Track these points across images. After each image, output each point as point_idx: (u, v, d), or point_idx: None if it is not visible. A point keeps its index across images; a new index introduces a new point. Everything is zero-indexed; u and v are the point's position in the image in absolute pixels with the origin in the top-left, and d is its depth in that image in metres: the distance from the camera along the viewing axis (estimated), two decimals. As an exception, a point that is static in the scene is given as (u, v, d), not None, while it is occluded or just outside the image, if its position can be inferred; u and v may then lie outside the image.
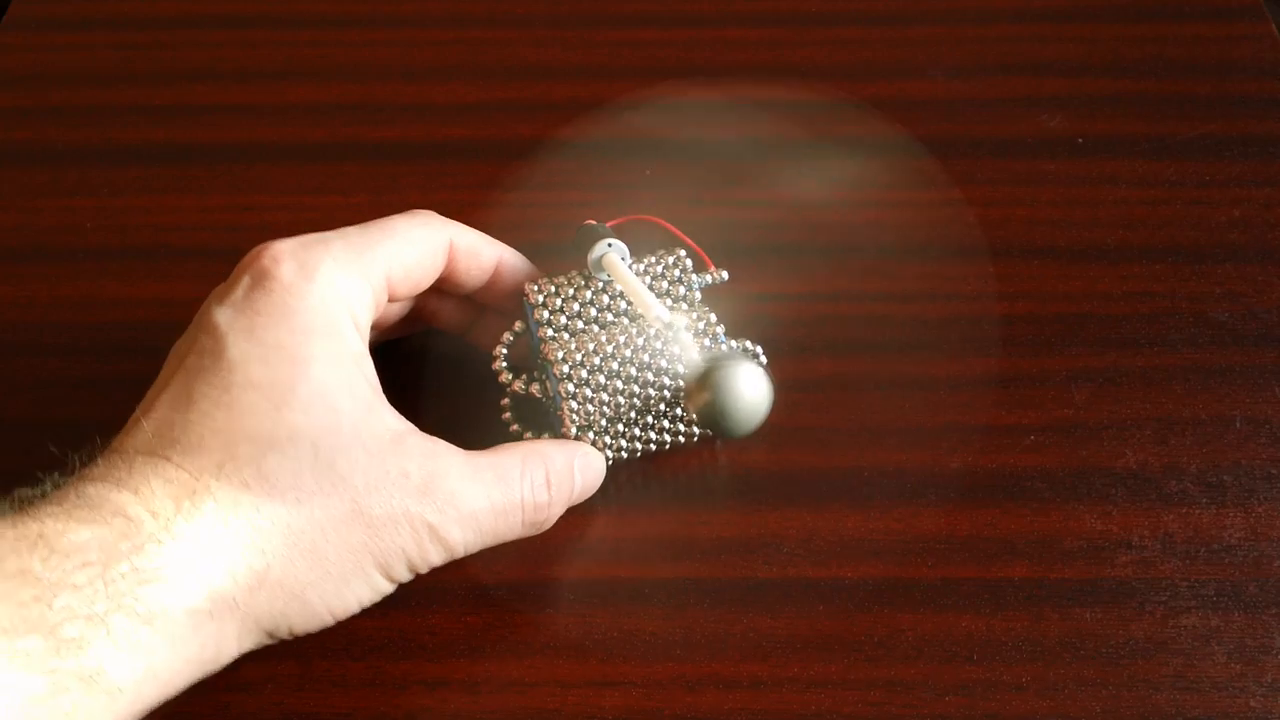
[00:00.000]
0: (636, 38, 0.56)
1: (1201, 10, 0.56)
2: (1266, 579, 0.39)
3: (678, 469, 0.41)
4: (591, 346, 0.38)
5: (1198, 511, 0.40)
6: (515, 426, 0.40)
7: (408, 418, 0.36)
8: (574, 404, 0.38)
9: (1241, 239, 0.47)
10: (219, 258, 0.48)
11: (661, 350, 0.39)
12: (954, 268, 0.47)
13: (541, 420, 0.41)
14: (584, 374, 0.38)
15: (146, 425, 0.34)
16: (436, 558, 0.35)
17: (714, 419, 0.36)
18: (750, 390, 0.36)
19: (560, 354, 0.38)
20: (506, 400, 0.41)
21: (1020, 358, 0.44)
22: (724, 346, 0.40)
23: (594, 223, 0.41)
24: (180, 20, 0.57)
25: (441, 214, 0.39)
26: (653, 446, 0.40)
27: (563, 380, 0.38)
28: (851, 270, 0.47)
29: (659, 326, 0.38)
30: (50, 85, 0.54)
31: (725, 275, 0.41)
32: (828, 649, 0.37)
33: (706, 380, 0.35)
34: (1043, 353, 0.44)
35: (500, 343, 0.40)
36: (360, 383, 0.35)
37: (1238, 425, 0.42)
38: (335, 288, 0.36)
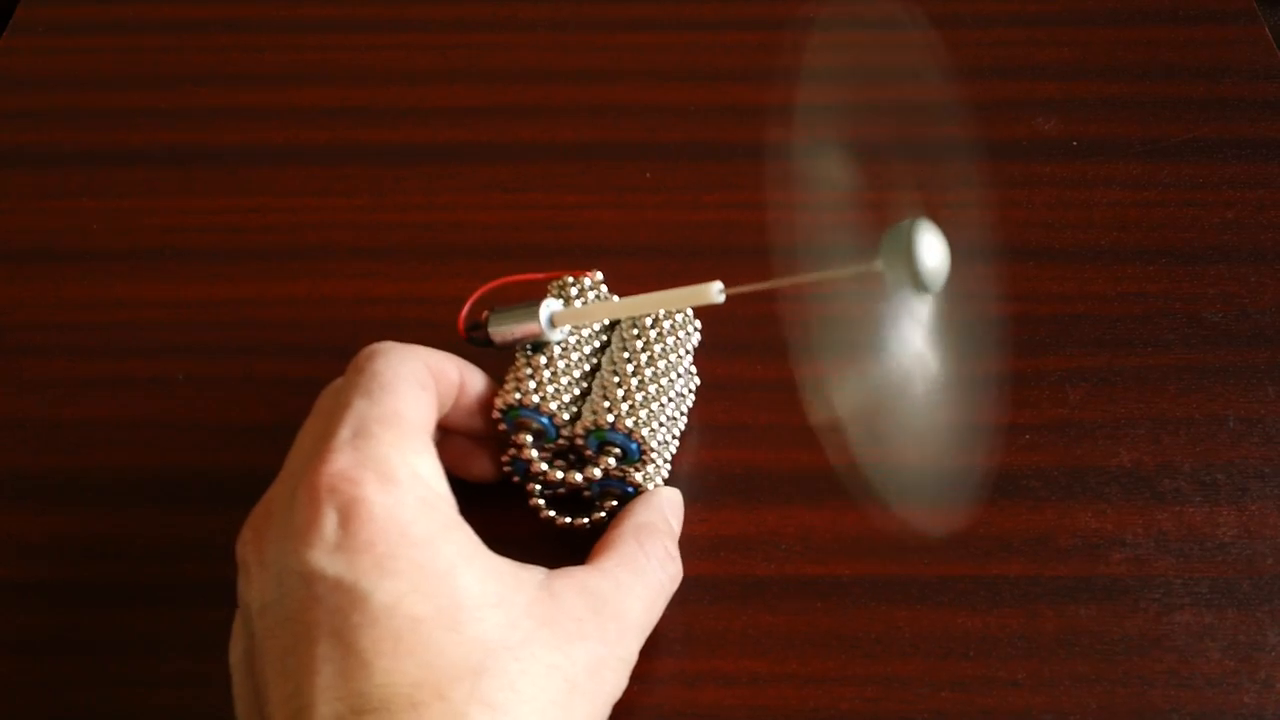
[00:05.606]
0: (637, 41, 0.56)
1: (1195, 14, 0.56)
2: (1259, 576, 0.39)
3: (677, 468, 0.41)
4: (621, 393, 0.38)
5: (1191, 510, 0.40)
6: (550, 511, 0.39)
7: None
8: (654, 443, 0.38)
9: (1234, 240, 0.48)
10: (223, 259, 0.48)
11: (662, 350, 0.39)
12: (949, 268, 0.47)
13: (563, 500, 0.40)
14: (643, 414, 0.37)
15: (338, 704, 0.29)
16: (628, 679, 0.34)
17: (922, 281, 0.35)
18: (936, 251, 0.35)
19: (611, 417, 0.37)
20: (535, 486, 0.39)
21: (1015, 358, 0.44)
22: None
23: (490, 312, 0.39)
24: (185, 24, 0.57)
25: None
26: (679, 433, 0.40)
27: (635, 430, 0.37)
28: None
29: (720, 299, 0.36)
30: (56, 88, 0.55)
31: (600, 274, 0.41)
32: (825, 645, 0.38)
33: (903, 247, 0.35)
34: (1037, 353, 0.44)
35: (524, 454, 0.38)
36: (493, 559, 0.33)
37: (1231, 424, 0.43)
38: (418, 478, 0.33)
